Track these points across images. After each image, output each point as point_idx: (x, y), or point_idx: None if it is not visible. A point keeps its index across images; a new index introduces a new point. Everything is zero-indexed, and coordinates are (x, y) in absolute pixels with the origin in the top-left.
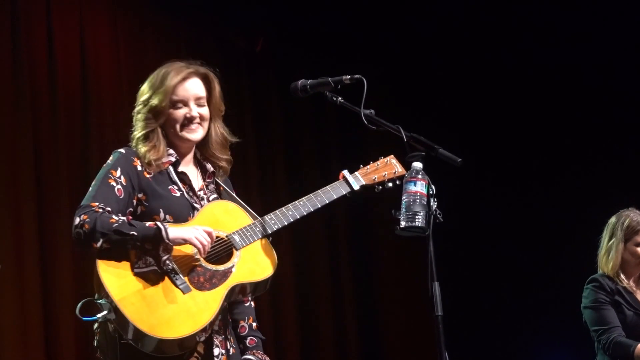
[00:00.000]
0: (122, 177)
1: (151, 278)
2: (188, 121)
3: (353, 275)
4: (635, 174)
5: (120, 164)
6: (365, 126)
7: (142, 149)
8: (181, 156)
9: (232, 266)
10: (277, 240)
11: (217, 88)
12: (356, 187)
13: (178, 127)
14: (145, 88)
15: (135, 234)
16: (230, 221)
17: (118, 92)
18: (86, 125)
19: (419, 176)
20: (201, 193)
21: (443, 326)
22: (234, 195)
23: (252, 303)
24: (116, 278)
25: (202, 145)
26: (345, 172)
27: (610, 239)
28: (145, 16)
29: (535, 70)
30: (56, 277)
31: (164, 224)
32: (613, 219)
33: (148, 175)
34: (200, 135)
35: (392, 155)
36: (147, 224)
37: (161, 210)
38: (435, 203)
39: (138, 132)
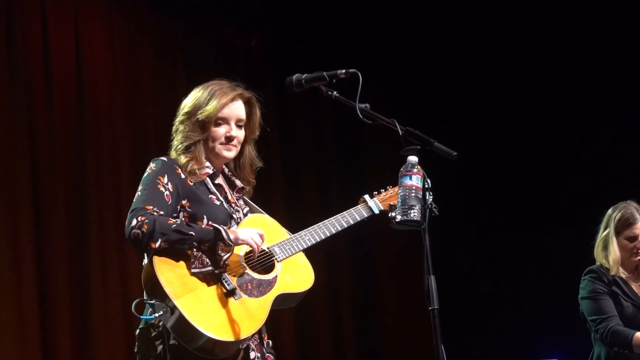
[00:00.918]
0: (169, 183)
1: (206, 280)
2: (227, 140)
3: (350, 268)
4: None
5: (167, 171)
6: (361, 120)
7: (184, 159)
8: (215, 170)
9: (276, 276)
10: None
11: (257, 113)
12: (376, 211)
13: (217, 143)
14: (190, 102)
15: (194, 234)
16: (269, 234)
17: (113, 90)
18: (82, 124)
19: (415, 170)
20: (234, 206)
21: (439, 319)
22: (263, 212)
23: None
24: (173, 279)
25: (233, 164)
26: (367, 197)
27: (605, 230)
28: (141, 14)
29: (533, 58)
30: (52, 273)
31: (221, 226)
32: (609, 211)
33: (190, 184)
34: (234, 154)
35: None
36: (203, 225)
37: (204, 217)
38: (431, 197)
39: (179, 143)
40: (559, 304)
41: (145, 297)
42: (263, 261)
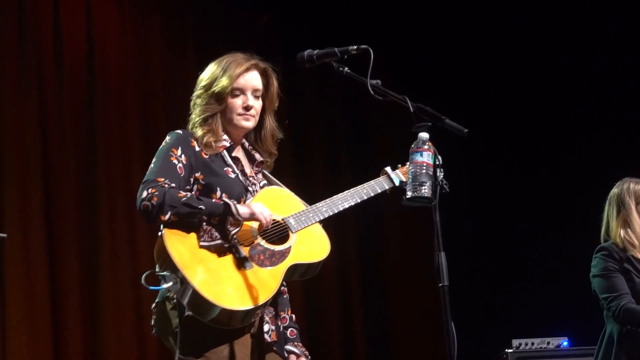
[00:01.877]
0: (182, 155)
1: (216, 252)
2: (244, 110)
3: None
4: None
5: (180, 144)
6: (372, 96)
7: (200, 131)
8: (233, 143)
9: (290, 247)
10: None
11: (274, 84)
12: (397, 183)
13: (235, 114)
14: (206, 75)
15: (203, 207)
16: (284, 206)
17: (124, 71)
18: (92, 104)
19: (425, 146)
20: (251, 179)
21: (449, 296)
22: (282, 185)
23: (288, 295)
24: (183, 250)
25: (253, 136)
26: (388, 169)
27: (618, 208)
28: None
29: (544, 41)
30: (62, 251)
31: (232, 200)
32: (615, 190)
33: (205, 156)
34: (252, 124)
35: None
36: (214, 199)
37: (218, 189)
38: (442, 173)
39: (197, 116)
40: (570, 282)
41: (156, 269)
42: (278, 232)
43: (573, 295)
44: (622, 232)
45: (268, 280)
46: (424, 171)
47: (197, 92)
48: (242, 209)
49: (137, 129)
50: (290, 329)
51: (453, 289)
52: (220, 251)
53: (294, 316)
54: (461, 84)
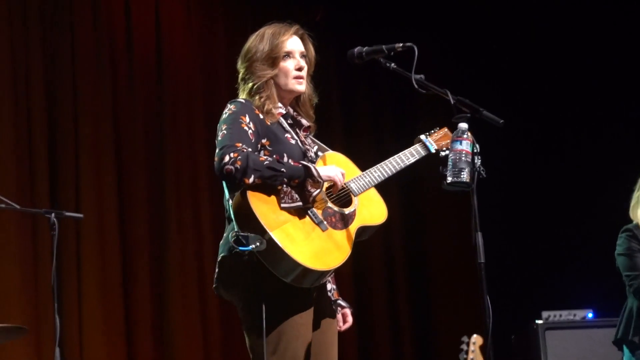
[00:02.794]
0: (250, 122)
1: (296, 213)
2: (297, 71)
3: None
4: None
5: (247, 111)
6: (416, 90)
7: (258, 99)
8: (286, 110)
9: (355, 210)
10: None
11: (311, 49)
12: (432, 150)
13: (290, 78)
14: (253, 45)
15: (285, 170)
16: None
17: (189, 55)
18: (160, 88)
19: (465, 136)
20: (305, 144)
21: (485, 272)
22: (329, 149)
23: None
24: (266, 212)
25: (295, 102)
26: (422, 137)
27: None
28: None
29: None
30: (133, 229)
31: (309, 163)
32: None
33: (268, 123)
34: (304, 87)
35: (445, 127)
36: (292, 163)
37: (285, 155)
38: (479, 160)
39: (252, 85)
40: (596, 259)
41: (237, 230)
42: (342, 196)
43: (599, 272)
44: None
45: (343, 241)
46: (463, 158)
47: (245, 64)
48: (322, 171)
49: (202, 111)
50: (333, 291)
51: (489, 266)
52: (299, 213)
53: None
54: (495, 75)
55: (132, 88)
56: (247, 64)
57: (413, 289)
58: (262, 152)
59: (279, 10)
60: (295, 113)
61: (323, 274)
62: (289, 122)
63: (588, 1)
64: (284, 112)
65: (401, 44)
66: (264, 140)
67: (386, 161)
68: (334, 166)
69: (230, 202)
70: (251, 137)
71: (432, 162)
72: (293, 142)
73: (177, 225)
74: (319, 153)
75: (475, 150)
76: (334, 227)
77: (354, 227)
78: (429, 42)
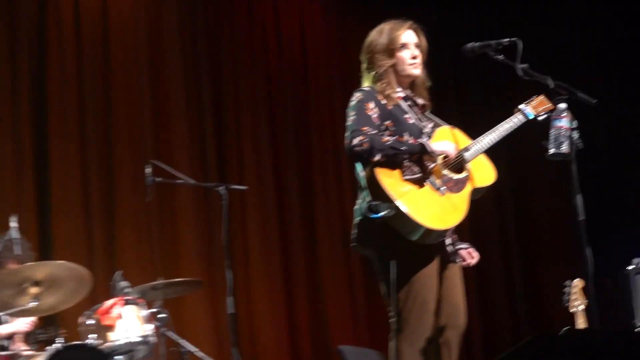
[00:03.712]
0: (375, 108)
1: (417, 183)
2: (413, 59)
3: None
4: None
5: (371, 98)
6: (520, 77)
7: (379, 85)
8: (405, 93)
9: (467, 175)
10: None
11: (424, 41)
12: (531, 117)
13: (406, 65)
14: (373, 39)
15: (405, 148)
16: (456, 141)
17: (329, 51)
18: (305, 80)
19: (564, 114)
20: (422, 121)
21: (585, 228)
22: (443, 122)
23: None
24: (392, 184)
25: (412, 86)
26: (522, 106)
27: None
28: None
29: None
30: (287, 194)
31: (424, 140)
32: None
33: (389, 107)
34: (419, 71)
35: (542, 94)
36: (410, 140)
37: (405, 134)
38: (577, 134)
39: (374, 73)
40: None
41: (369, 200)
42: (456, 164)
43: None
44: None
45: (459, 203)
46: (563, 133)
47: (367, 55)
48: (436, 146)
49: (342, 100)
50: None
51: (587, 222)
52: (419, 182)
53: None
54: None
55: (282, 82)
56: (369, 55)
57: (521, 243)
58: (386, 133)
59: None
60: (412, 94)
61: (443, 231)
62: (408, 103)
63: None
64: (402, 95)
65: (507, 39)
66: (387, 122)
67: (491, 130)
68: (446, 141)
69: (361, 175)
70: (375, 121)
71: (534, 128)
72: (411, 121)
73: (322, 191)
74: (435, 129)
75: (573, 126)
76: (451, 191)
77: (467, 190)
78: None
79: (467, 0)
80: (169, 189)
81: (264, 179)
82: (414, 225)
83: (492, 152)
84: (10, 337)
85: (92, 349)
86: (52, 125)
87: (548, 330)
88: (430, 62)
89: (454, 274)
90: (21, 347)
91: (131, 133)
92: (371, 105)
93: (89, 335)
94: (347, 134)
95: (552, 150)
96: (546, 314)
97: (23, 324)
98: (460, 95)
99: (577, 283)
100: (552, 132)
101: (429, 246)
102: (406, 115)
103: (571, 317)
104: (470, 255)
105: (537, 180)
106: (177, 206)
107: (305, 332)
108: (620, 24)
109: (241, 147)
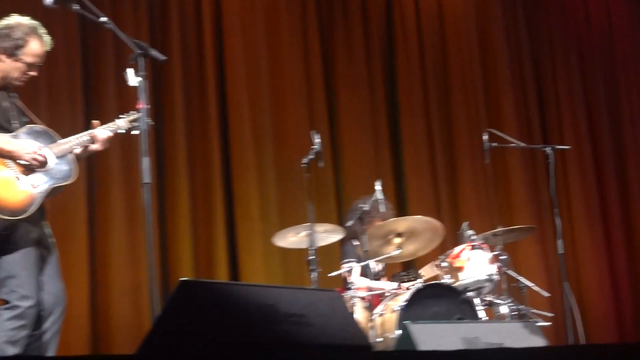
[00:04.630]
0: None
1: None
2: None
3: None
4: None
5: None
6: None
7: None
8: None
9: None
10: None
11: None
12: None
13: None
14: None
15: None
16: None
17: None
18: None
19: None
20: None
21: None
22: None
23: None
24: None
25: None
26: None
27: None
28: None
29: None
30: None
31: None
32: None
33: None
34: None
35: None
36: None
37: None
38: None
39: None
40: None
41: None
42: None
43: None
44: None
45: None
46: None
47: None
48: None
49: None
50: None
51: None
52: None
53: None
54: None
55: (591, 55)
56: None
57: None
58: None
59: None
60: None
61: None
62: None
63: None
64: None
65: None
66: None
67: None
68: None
69: None
70: None
71: None
72: None
73: (634, 145)
74: None
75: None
76: None
77: None
78: None
79: None
80: (500, 152)
81: (581, 138)
82: None
83: None
84: (378, 278)
85: (447, 287)
86: (402, 104)
87: None
88: None
89: None
90: (388, 287)
91: (467, 107)
92: None
93: (444, 276)
94: None
95: None
96: None
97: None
98: None
99: None
100: None
101: None
102: None
103: None
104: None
105: None
106: (508, 166)
107: (623, 269)
108: None
109: (560, 113)
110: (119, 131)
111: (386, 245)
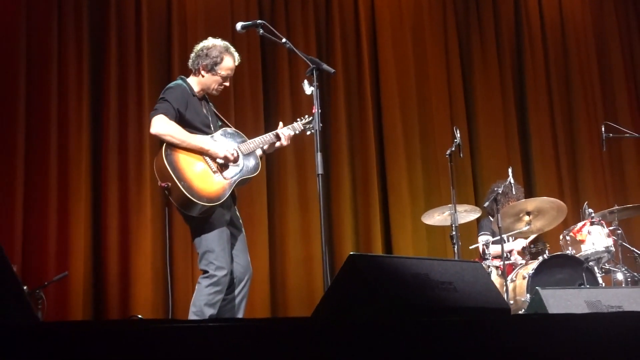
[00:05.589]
0: None
1: None
2: None
3: None
4: None
5: None
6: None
7: None
8: None
9: None
10: None
11: None
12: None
13: None
14: None
15: None
16: None
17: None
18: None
19: None
20: None
21: None
22: None
23: None
24: None
25: None
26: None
27: None
28: None
29: None
30: None
31: None
32: None
33: None
34: None
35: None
36: None
37: None
38: None
39: None
40: None
41: None
42: None
43: None
44: None
45: None
46: None
47: None
48: None
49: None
50: None
51: None
52: None
53: None
54: None
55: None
56: None
57: None
58: None
59: None
60: None
61: None
62: None
63: None
64: None
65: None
66: None
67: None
68: None
69: None
70: None
71: None
72: None
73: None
74: None
75: None
76: None
77: None
78: None
79: None
80: (615, 141)
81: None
82: None
83: None
84: (510, 251)
85: (571, 257)
86: (530, 102)
87: None
88: None
89: None
90: (518, 258)
91: (586, 103)
92: None
93: (568, 248)
94: None
95: None
96: None
97: (519, 243)
98: None
99: None
100: None
101: None
102: None
103: None
104: None
105: None
106: (623, 153)
107: None
108: None
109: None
110: (296, 132)
111: (517, 222)
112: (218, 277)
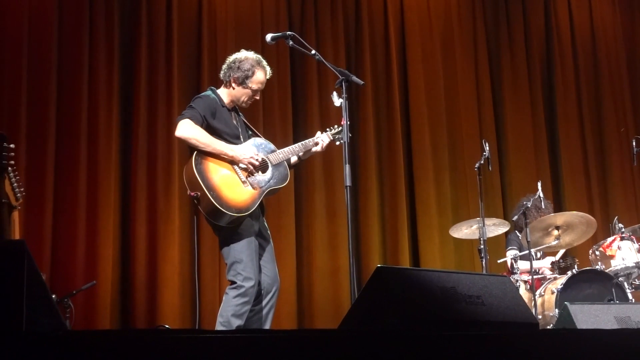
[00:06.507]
0: None
1: None
2: None
3: None
4: None
5: None
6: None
7: None
8: None
9: None
10: None
11: None
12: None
13: None
14: None
15: None
16: None
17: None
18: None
19: None
20: None
21: None
22: None
23: None
24: None
25: None
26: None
27: None
28: None
29: None
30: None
31: None
32: None
33: None
34: None
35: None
36: None
37: None
38: None
39: None
40: None
41: None
42: None
43: None
44: None
45: None
46: None
47: None
48: None
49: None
50: None
51: None
52: None
53: None
54: None
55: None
56: None
57: None
58: None
59: None
60: None
61: None
62: None
63: None
64: None
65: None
66: None
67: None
68: None
69: None
70: None
71: None
72: None
73: None
74: None
75: None
76: None
77: None
78: None
79: None
80: None
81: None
82: None
83: None
84: (539, 269)
85: (600, 272)
86: (560, 115)
87: None
88: None
89: None
90: (547, 272)
91: (617, 116)
92: None
93: (597, 263)
94: None
95: None
96: None
97: (545, 264)
98: None
99: None
100: None
101: None
102: None
103: None
104: None
105: None
106: None
107: None
108: None
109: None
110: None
111: (546, 237)
112: (246, 288)
